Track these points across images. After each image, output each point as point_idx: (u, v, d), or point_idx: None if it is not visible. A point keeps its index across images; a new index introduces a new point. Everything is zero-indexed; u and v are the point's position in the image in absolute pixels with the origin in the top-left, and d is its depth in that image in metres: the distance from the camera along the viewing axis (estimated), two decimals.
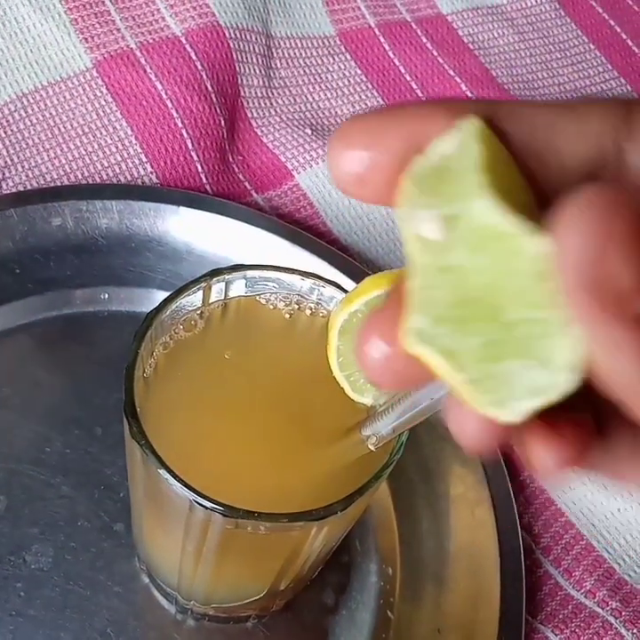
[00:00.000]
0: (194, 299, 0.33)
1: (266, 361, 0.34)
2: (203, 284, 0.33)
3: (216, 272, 0.33)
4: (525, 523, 0.44)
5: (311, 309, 0.35)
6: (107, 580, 0.41)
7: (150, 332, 0.31)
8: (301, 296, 0.35)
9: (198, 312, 0.34)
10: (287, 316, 0.35)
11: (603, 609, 0.42)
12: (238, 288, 0.34)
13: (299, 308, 0.35)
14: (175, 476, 0.28)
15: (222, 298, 0.34)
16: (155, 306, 0.32)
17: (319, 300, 0.35)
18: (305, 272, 0.34)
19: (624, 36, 0.71)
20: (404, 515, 0.45)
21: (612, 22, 0.72)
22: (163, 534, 0.34)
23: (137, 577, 0.41)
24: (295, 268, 0.34)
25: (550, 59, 0.69)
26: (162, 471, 0.28)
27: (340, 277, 0.47)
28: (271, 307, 0.35)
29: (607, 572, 0.43)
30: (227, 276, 0.33)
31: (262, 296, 0.35)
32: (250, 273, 0.34)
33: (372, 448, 0.30)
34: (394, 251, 0.55)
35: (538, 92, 0.67)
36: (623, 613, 0.41)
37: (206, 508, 0.28)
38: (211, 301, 0.34)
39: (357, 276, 0.47)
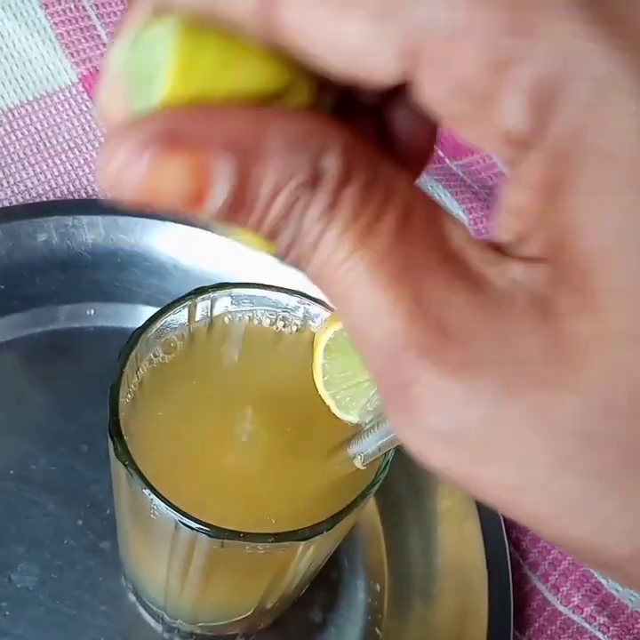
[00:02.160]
0: (179, 317, 0.33)
1: (251, 379, 0.34)
2: (188, 302, 0.33)
3: (201, 290, 0.33)
4: (513, 538, 0.44)
5: (297, 326, 0.35)
6: (93, 598, 0.41)
7: (135, 351, 0.31)
8: (287, 313, 0.35)
9: (183, 330, 0.34)
10: (273, 333, 0.35)
11: (590, 624, 0.41)
12: (224, 305, 0.34)
13: (284, 326, 0.35)
14: (160, 497, 0.28)
15: (208, 315, 0.34)
16: (141, 322, 0.32)
17: (305, 316, 0.34)
18: (291, 290, 0.34)
19: None
20: (391, 530, 0.44)
21: None
22: (149, 554, 0.34)
23: (123, 595, 0.41)
24: (281, 284, 0.34)
25: None
26: (147, 491, 0.28)
27: None
28: (257, 324, 0.35)
29: (594, 588, 0.43)
30: (212, 294, 0.33)
31: (248, 313, 0.34)
32: (235, 291, 0.34)
33: (359, 466, 0.30)
34: None
35: None
36: (611, 628, 0.41)
37: (192, 528, 0.28)
38: (196, 319, 0.34)
39: None
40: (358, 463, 0.30)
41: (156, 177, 0.16)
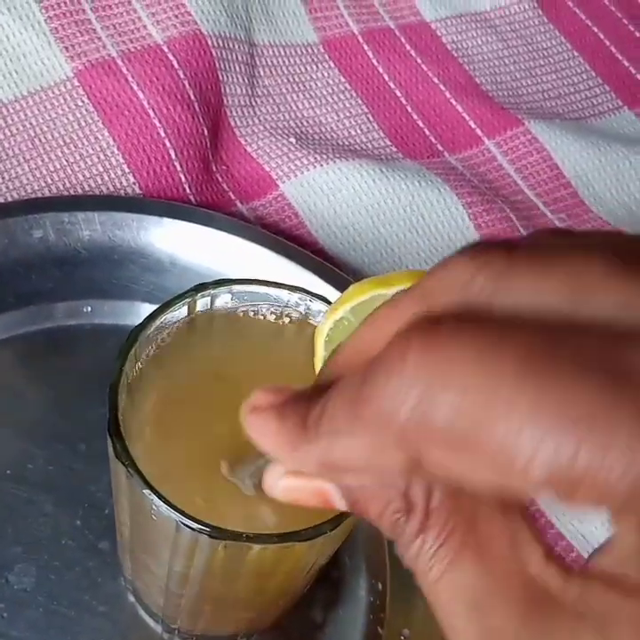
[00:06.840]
0: (179, 314, 0.32)
1: (253, 375, 0.33)
2: (188, 299, 0.32)
3: (201, 287, 0.32)
4: None
5: (298, 322, 0.34)
6: (91, 599, 0.40)
7: (135, 349, 0.31)
8: (288, 309, 0.34)
9: (183, 327, 0.33)
10: (273, 329, 0.34)
11: None
12: (224, 302, 0.33)
13: (285, 322, 0.34)
14: (161, 497, 0.27)
15: (207, 312, 0.33)
16: (139, 319, 0.32)
17: (306, 313, 0.34)
18: (292, 286, 0.33)
19: (607, 43, 0.71)
20: None
21: (595, 29, 0.72)
22: (148, 555, 0.33)
23: (123, 596, 0.41)
24: (281, 281, 0.34)
25: (534, 65, 0.69)
26: (147, 492, 0.27)
27: (326, 288, 0.46)
28: (257, 319, 0.34)
29: None
30: (212, 291, 0.33)
31: (248, 310, 0.34)
32: (236, 287, 0.33)
33: None
34: (380, 260, 0.54)
35: (522, 99, 0.66)
36: None
37: (193, 529, 0.27)
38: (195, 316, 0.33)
39: (343, 286, 0.46)
40: None
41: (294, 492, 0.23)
